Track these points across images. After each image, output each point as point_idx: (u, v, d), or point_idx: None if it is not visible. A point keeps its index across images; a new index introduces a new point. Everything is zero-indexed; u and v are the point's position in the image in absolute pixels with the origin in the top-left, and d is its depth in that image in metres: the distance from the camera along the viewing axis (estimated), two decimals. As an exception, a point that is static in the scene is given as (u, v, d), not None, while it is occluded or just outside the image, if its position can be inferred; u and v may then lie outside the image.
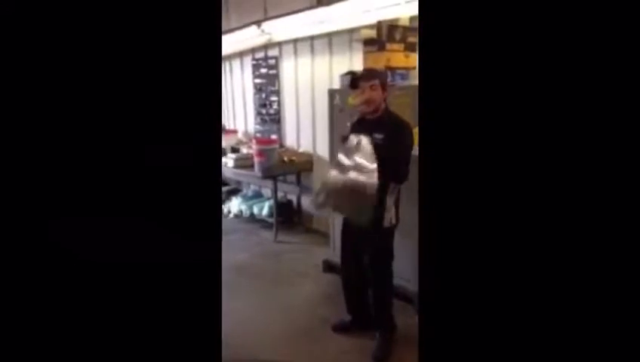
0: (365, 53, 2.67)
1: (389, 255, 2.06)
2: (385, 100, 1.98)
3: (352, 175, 1.81)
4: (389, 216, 1.98)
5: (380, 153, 1.85)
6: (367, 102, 1.94)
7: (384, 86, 1.97)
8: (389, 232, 2.03)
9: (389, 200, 1.95)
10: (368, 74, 2.01)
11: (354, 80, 2.03)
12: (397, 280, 2.17)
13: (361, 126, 2.04)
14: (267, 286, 2.89)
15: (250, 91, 4.53)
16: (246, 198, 4.40)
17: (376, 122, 1.96)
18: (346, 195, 1.85)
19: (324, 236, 3.49)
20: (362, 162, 1.81)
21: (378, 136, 1.90)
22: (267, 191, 4.31)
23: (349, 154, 1.86)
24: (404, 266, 2.35)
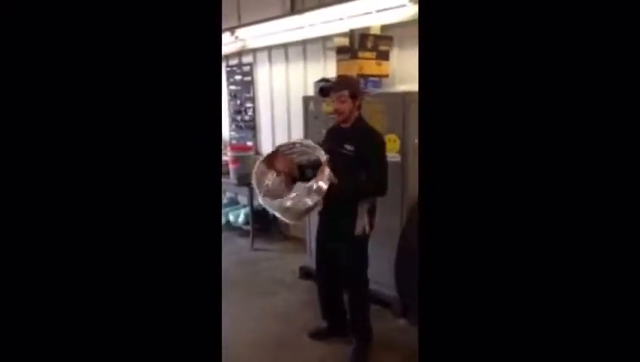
0: (338, 60, 2.70)
1: (362, 263, 2.06)
2: (359, 109, 1.97)
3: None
4: (362, 225, 1.98)
5: (349, 165, 1.88)
6: (336, 112, 1.95)
7: (355, 96, 1.93)
8: (362, 241, 2.02)
9: (361, 210, 1.95)
10: (338, 84, 1.98)
11: (323, 89, 2.04)
12: (373, 285, 2.18)
13: (333, 135, 2.06)
14: (244, 295, 2.87)
15: (224, 98, 4.50)
16: (222, 206, 4.36)
17: (347, 133, 1.97)
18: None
19: (300, 243, 3.49)
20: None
21: (348, 147, 1.91)
22: (243, 199, 4.27)
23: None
24: (381, 271, 2.38)
